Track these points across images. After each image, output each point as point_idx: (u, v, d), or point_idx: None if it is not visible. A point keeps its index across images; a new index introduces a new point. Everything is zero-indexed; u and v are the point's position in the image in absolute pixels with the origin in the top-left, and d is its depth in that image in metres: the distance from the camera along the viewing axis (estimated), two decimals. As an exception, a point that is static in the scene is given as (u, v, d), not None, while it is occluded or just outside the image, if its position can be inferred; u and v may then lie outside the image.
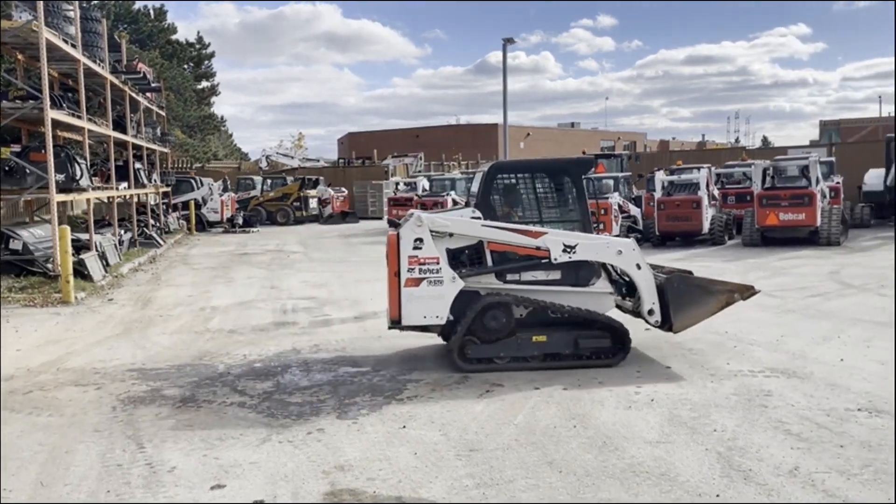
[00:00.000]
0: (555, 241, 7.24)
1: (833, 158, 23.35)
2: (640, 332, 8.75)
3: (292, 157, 40.51)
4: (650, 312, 7.45)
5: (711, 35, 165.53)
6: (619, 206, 19.35)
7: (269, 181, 33.33)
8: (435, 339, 8.44)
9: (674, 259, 16.48)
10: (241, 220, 29.52)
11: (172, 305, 11.84)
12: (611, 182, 20.63)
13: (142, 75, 21.54)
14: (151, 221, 23.17)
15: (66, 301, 11.77)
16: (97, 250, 14.98)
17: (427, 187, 26.73)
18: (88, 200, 16.18)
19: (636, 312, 7.79)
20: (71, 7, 15.14)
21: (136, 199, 21.89)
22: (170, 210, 27.65)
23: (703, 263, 15.53)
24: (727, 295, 7.63)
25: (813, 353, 7.73)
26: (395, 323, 7.27)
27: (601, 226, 18.71)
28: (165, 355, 8.37)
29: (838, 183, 20.93)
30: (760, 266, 14.72)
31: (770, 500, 4.33)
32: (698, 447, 5.19)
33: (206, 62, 49.03)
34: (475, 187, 8.20)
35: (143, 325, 10.19)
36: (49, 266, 13.27)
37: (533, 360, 7.30)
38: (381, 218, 31.40)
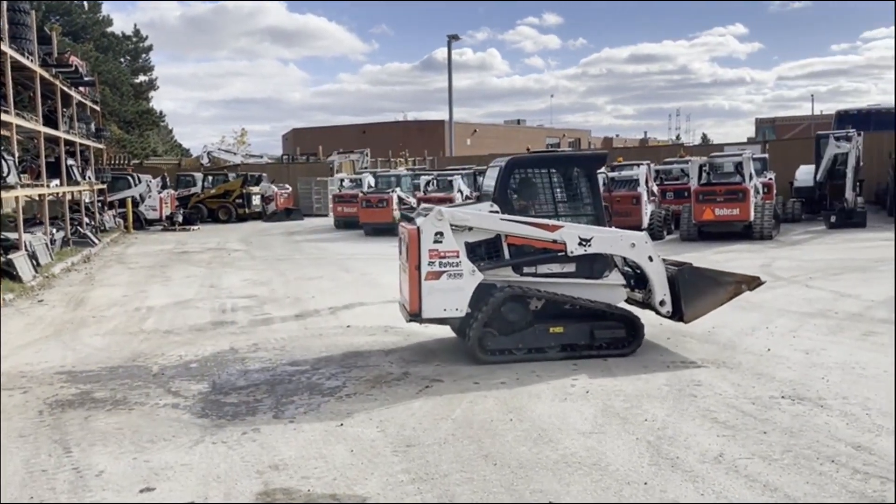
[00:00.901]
0: (571, 234, 7.41)
1: (766, 155, 24.16)
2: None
3: (235, 154, 39.67)
4: (661, 303, 7.69)
5: (653, 34, 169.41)
6: (562, 203, 19.62)
7: (210, 178, 32.66)
8: (376, 337, 8.44)
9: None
10: (180, 218, 28.83)
11: (106, 306, 11.51)
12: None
13: (74, 69, 20.83)
14: (86, 220, 22.45)
15: (-8, 303, 11.32)
16: (27, 250, 14.44)
17: (372, 184, 26.59)
18: (17, 198, 15.57)
19: (646, 304, 8.02)
20: (-4, -3, 14.54)
21: (69, 197, 21.16)
22: (106, 208, 26.84)
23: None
24: (735, 286, 7.92)
25: (742, 344, 8.00)
26: (416, 316, 7.36)
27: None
28: (97, 357, 8.14)
29: (771, 179, 21.66)
30: (696, 260, 15.08)
31: (695, 486, 4.47)
32: (629, 437, 5.33)
33: (143, 55, 47.63)
34: (488, 182, 8.28)
35: (75, 327, 9.88)
36: (-26, 267, 12.73)
37: (550, 350, 7.44)
38: (326, 215, 31.10)
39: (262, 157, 41.83)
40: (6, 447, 5.37)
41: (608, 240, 7.60)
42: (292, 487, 4.60)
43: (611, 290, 7.75)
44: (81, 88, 23.51)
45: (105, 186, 26.61)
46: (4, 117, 14.53)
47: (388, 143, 52.93)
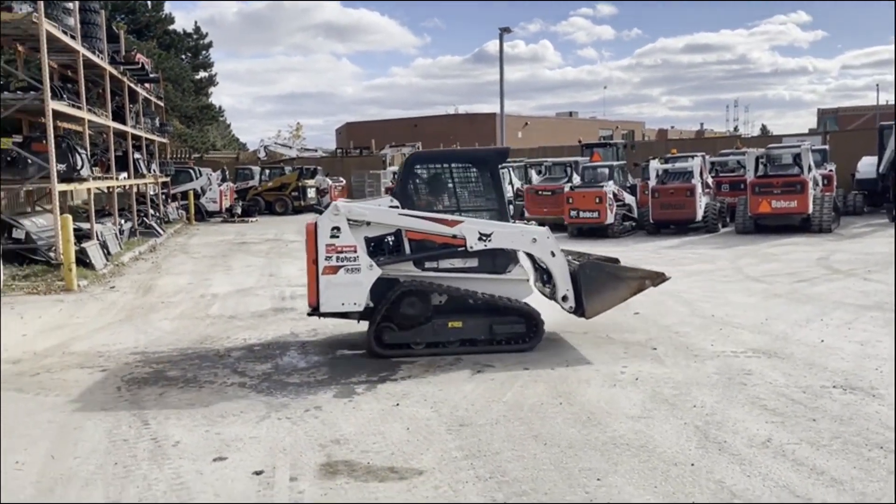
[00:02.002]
0: (470, 229, 7.40)
1: (827, 147, 23.53)
2: (629, 317, 9.02)
3: (290, 147, 40.64)
4: (564, 298, 7.71)
5: (710, 23, 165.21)
6: (614, 195, 19.56)
7: (267, 171, 33.49)
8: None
9: (665, 247, 16.74)
10: (239, 210, 29.74)
11: (173, 293, 12.08)
12: (606, 171, 20.88)
13: (140, 66, 21.69)
14: (151, 211, 23.38)
15: (68, 289, 12.01)
16: (98, 239, 15.20)
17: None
18: (89, 190, 16.38)
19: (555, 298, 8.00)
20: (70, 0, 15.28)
21: (135, 189, 22.09)
22: (169, 200, 27.85)
23: (694, 250, 15.79)
24: (638, 281, 7.88)
25: (795, 335, 7.97)
26: (314, 310, 7.42)
27: (596, 214, 18.97)
28: (167, 339, 8.62)
29: (831, 171, 21.15)
30: (751, 253, 14.96)
31: (741, 468, 4.58)
32: (677, 421, 5.45)
33: (203, 52, 49.03)
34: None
35: (145, 312, 10.44)
36: (51, 255, 13.50)
37: (450, 345, 7.47)
38: (379, 207, 31.62)
39: (316, 150, 42.67)
40: (90, 419, 5.81)
41: (509, 235, 7.56)
42: (353, 460, 4.89)
43: (515, 285, 7.71)
44: (147, 85, 24.44)
45: (168, 179, 27.62)
46: (78, 113, 15.30)
47: (439, 136, 53.20)
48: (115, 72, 19.05)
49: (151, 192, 24.75)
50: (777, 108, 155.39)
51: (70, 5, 15.37)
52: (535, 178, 23.14)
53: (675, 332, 8.32)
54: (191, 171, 30.47)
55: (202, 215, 28.87)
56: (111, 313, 10.37)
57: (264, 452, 5.05)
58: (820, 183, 19.01)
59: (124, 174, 20.03)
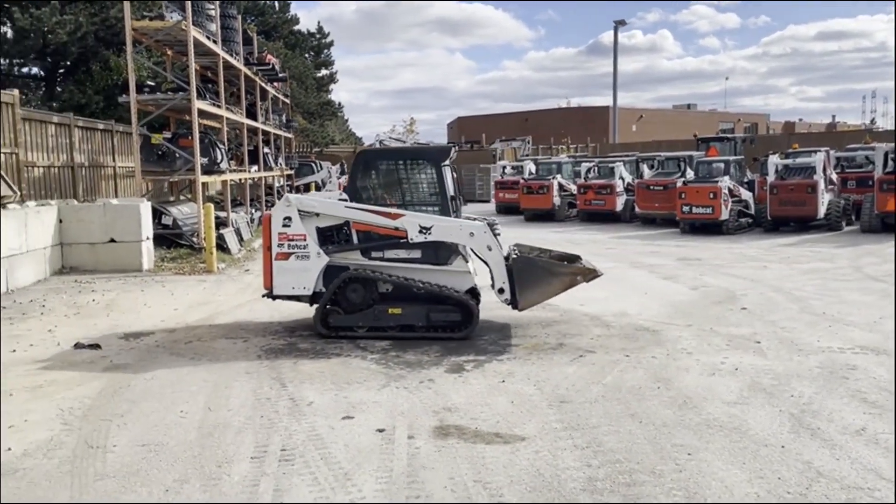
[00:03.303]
0: (412, 222, 7.86)
1: (969, 141, 21.91)
2: (736, 312, 9.11)
3: (404, 142, 41.92)
4: (500, 291, 8.07)
5: (846, 8, 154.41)
6: (730, 190, 19.18)
7: (383, 164, 34.79)
8: (535, 312, 9.15)
9: (782, 244, 16.32)
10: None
11: (299, 276, 13.13)
12: (721, 166, 20.47)
13: (271, 66, 23.26)
14: (278, 202, 25.03)
15: (209, 270, 13.33)
16: (233, 227, 16.64)
17: (533, 171, 27.20)
18: (225, 182, 17.91)
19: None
20: (213, 6, 16.76)
21: (264, 181, 23.75)
22: (293, 192, 29.61)
23: (813, 249, 15.35)
24: (570, 277, 8.15)
25: (909, 334, 7.85)
26: (269, 292, 8.17)
27: (710, 210, 18.66)
28: (297, 317, 9.53)
29: (972, 167, 19.71)
30: (874, 252, 14.40)
31: (831, 452, 4.79)
32: (773, 409, 5.67)
33: (325, 51, 51.34)
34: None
35: (276, 292, 11.48)
36: (194, 239, 14.97)
37: (390, 330, 8.01)
38: (487, 201, 32.17)
39: (429, 145, 43.77)
40: (237, 380, 6.70)
41: (447, 229, 7.95)
42: (463, 425, 5.46)
43: (456, 276, 8.12)
44: (275, 84, 26.12)
45: (292, 172, 29.37)
46: (217, 111, 16.78)
47: (550, 129, 53.18)
48: (249, 72, 20.60)
49: (278, 185, 26.46)
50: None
51: (212, 12, 16.86)
52: (646, 172, 22.97)
53: (781, 327, 8.37)
54: (312, 164, 32.20)
55: (322, 206, 30.47)
56: (247, 293, 11.48)
57: (385, 414, 5.71)
58: (957, 180, 17.83)
59: (255, 167, 21.62)
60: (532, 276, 8.07)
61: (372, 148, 9.83)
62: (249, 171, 20.52)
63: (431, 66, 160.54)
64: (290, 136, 29.94)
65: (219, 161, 16.07)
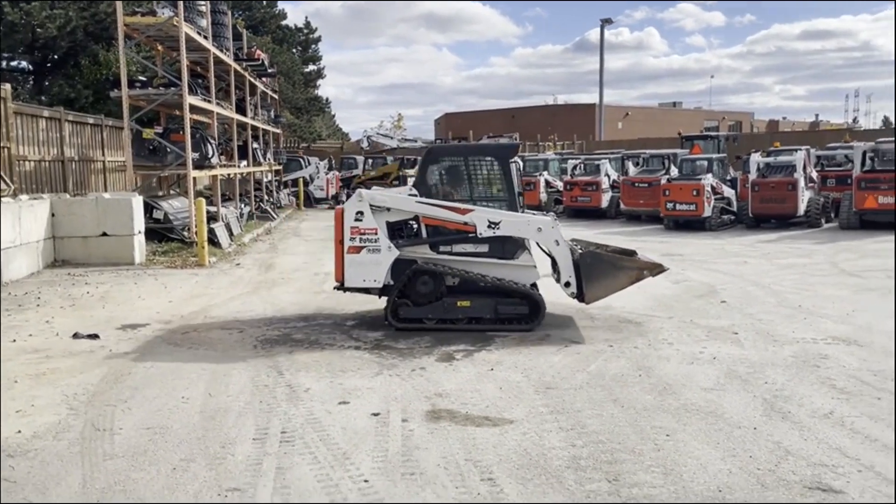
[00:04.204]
0: (480, 217, 8.08)
1: (946, 140, 22.44)
2: (716, 305, 9.45)
3: (391, 138, 42.02)
4: (567, 284, 8.27)
5: (831, 8, 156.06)
6: (713, 188, 19.57)
7: (370, 161, 34.99)
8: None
9: (763, 241, 16.72)
10: (344, 198, 31.10)
11: (291, 270, 13.37)
12: (704, 163, 20.86)
13: (260, 62, 23.40)
14: (266, 197, 25.18)
15: (201, 264, 13.51)
16: (224, 221, 16.81)
17: (520, 167, 27.52)
18: (215, 177, 18.06)
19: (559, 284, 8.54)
20: (203, 2, 16.89)
21: (253, 176, 23.88)
22: (281, 187, 29.74)
23: (792, 245, 15.76)
24: (636, 271, 8.31)
25: (879, 326, 8.21)
26: (340, 285, 8.35)
27: (693, 206, 19.04)
28: (290, 309, 9.77)
29: (948, 166, 20.21)
30: (851, 248, 14.82)
31: (800, 433, 5.10)
32: (747, 394, 5.98)
33: (312, 46, 51.35)
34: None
35: (269, 286, 11.71)
36: (185, 234, 15.13)
37: (458, 322, 8.19)
38: (476, 197, 32.44)
39: (416, 140, 43.90)
40: (235, 368, 6.93)
41: (516, 223, 8.16)
42: (454, 409, 5.73)
43: (523, 271, 8.29)
44: (264, 79, 26.24)
45: (280, 167, 29.50)
46: (208, 106, 16.93)
47: (536, 126, 53.49)
48: (238, 68, 20.73)
49: (266, 180, 26.60)
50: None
51: (203, 8, 16.99)
52: (631, 169, 23.31)
53: (759, 319, 8.70)
54: (300, 159, 32.35)
55: (310, 202, 30.65)
56: (240, 286, 11.69)
57: (379, 400, 5.97)
58: (934, 179, 18.31)
59: (244, 162, 21.77)
60: (599, 270, 8.22)
61: (441, 145, 10.12)
62: (239, 166, 20.67)
63: (418, 62, 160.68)
64: (278, 131, 30.08)
65: (209, 156, 16.23)
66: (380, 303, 10.07)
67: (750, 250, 15.16)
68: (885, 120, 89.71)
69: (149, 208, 15.02)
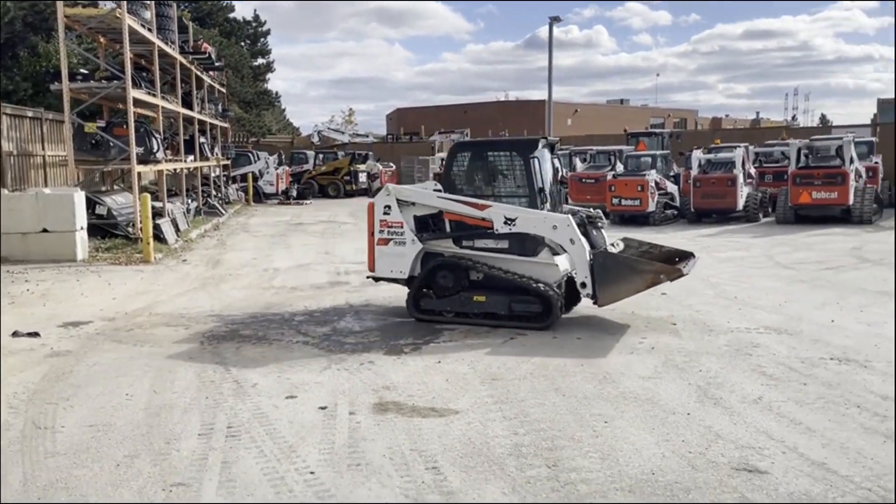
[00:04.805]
0: (497, 213, 8.11)
1: (874, 139, 23.47)
2: (656, 297, 9.75)
3: (343, 133, 41.84)
4: (582, 285, 8.11)
5: (772, 9, 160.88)
6: (656, 184, 20.08)
7: (321, 156, 34.75)
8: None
9: (704, 235, 17.25)
10: (294, 193, 31.07)
11: (239, 266, 13.26)
12: (649, 160, 21.38)
13: (206, 55, 23.00)
14: (214, 192, 24.80)
15: (146, 260, 13.28)
16: (170, 217, 16.53)
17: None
18: (161, 171, 17.72)
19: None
20: (147, -6, 16.55)
21: (200, 171, 23.49)
22: (229, 182, 29.31)
23: (731, 239, 16.29)
24: (653, 275, 8.05)
25: (809, 316, 8.61)
26: (372, 274, 8.67)
27: (638, 202, 19.50)
28: (238, 305, 9.72)
29: (877, 163, 21.19)
30: (786, 242, 15.42)
31: (730, 418, 5.36)
32: (683, 382, 6.23)
33: (261, 39, 50.64)
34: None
35: (216, 282, 11.60)
36: (130, 230, 14.83)
37: (474, 316, 8.26)
38: (427, 192, 32.52)
39: (367, 136, 43.81)
40: (181, 364, 6.89)
41: (532, 220, 8.10)
42: (401, 401, 5.83)
43: (543, 268, 8.22)
44: (211, 72, 25.80)
45: (229, 162, 29.05)
46: (153, 100, 16.61)
47: (488, 122, 53.77)
48: (184, 61, 20.36)
49: (214, 175, 26.18)
50: (840, 97, 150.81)
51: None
52: (579, 165, 23.73)
53: (697, 310, 9.03)
54: (249, 154, 31.91)
55: (259, 197, 30.27)
56: (186, 282, 11.55)
57: (327, 393, 6.03)
58: (863, 175, 19.17)
59: (191, 157, 21.39)
60: (614, 272, 8.05)
61: (467, 140, 10.02)
62: (185, 161, 20.32)
63: (370, 57, 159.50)
64: (226, 125, 29.60)
65: (154, 151, 15.93)
66: (327, 298, 10.14)
67: (691, 244, 15.54)
68: (823, 118, 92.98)
69: (91, 204, 14.68)
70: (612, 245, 8.79)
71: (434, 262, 8.38)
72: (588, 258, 8.07)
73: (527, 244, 8.27)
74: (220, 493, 4.31)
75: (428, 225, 8.58)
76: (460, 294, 8.32)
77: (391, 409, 5.65)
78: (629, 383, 6.21)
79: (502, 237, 8.24)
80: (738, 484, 4.32)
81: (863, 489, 4.24)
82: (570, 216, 8.29)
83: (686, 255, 8.91)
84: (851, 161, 18.14)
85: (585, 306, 9.32)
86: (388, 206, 8.44)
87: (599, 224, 8.62)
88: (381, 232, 8.46)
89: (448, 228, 8.53)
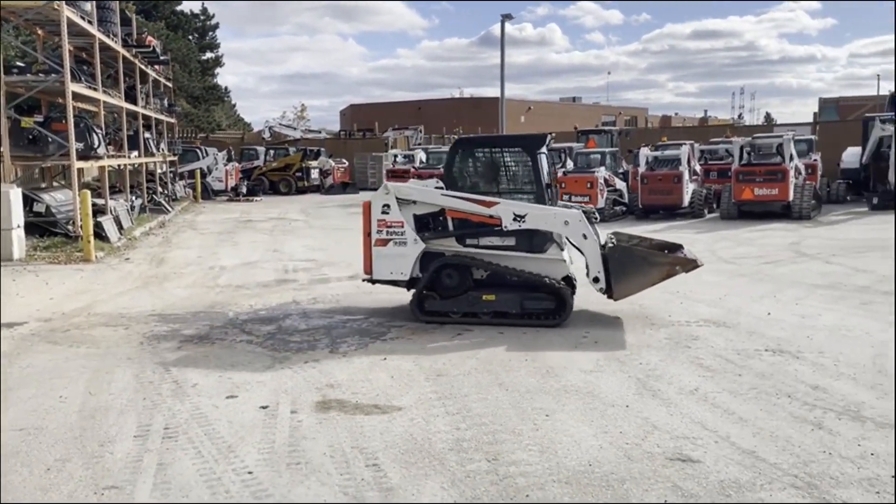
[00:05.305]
0: (506, 210, 7.96)
1: (814, 137, 24.27)
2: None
3: (295, 129, 41.31)
4: (595, 280, 8.21)
5: (719, 9, 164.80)
6: (605, 180, 20.37)
7: (272, 152, 34.27)
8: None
9: (651, 230, 17.57)
10: (244, 190, 30.57)
11: (184, 264, 13.00)
12: (598, 157, 21.69)
13: (151, 48, 22.46)
14: (160, 189, 24.25)
15: (87, 259, 12.91)
16: (112, 214, 16.10)
17: (424, 159, 27.70)
18: (102, 168, 17.24)
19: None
20: (87, -16, 16.05)
21: (145, 168, 22.94)
22: (177, 178, 28.69)
23: (678, 234, 16.61)
24: (669, 267, 8.17)
25: (747, 309, 8.85)
26: (369, 278, 8.35)
27: (587, 198, 19.76)
28: (181, 304, 9.53)
29: (816, 160, 21.90)
30: (729, 237, 15.82)
31: (667, 409, 5.49)
32: (623, 375, 6.35)
33: (210, 33, 49.65)
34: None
35: (160, 280, 11.35)
36: (70, 227, 14.40)
37: (483, 316, 8.10)
38: (380, 189, 32.36)
39: (320, 132, 43.35)
40: (118, 365, 6.73)
41: (542, 217, 8.05)
42: (344, 399, 5.80)
43: (551, 264, 8.21)
44: (156, 66, 25.21)
45: (176, 158, 28.45)
46: (94, 94, 16.14)
47: (442, 119, 53.84)
48: (127, 54, 19.84)
49: (160, 171, 25.61)
50: (784, 96, 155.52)
51: (87, -9, 16.14)
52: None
53: (640, 305, 9.18)
54: (197, 150, 31.29)
55: (208, 194, 29.73)
56: (128, 281, 11.28)
57: (269, 392, 5.96)
58: (803, 172, 19.79)
59: (135, 153, 20.87)
60: (629, 265, 8.07)
61: (469, 136, 9.74)
62: (129, 157, 19.82)
63: (323, 52, 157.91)
64: (172, 120, 28.99)
65: (95, 146, 15.49)
66: (274, 296, 10.02)
67: (638, 240, 15.89)
68: (768, 116, 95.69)
69: (29, 201, 14.20)
70: (610, 239, 8.83)
71: (439, 261, 8.06)
72: (601, 253, 8.11)
73: (535, 241, 8.21)
74: (154, 495, 4.22)
75: (427, 224, 8.30)
76: (468, 294, 8.10)
77: (334, 408, 5.62)
78: (571, 377, 6.30)
79: (509, 234, 8.12)
80: (671, 473, 4.42)
81: (790, 475, 4.38)
82: (581, 211, 8.26)
83: (675, 247, 8.94)
84: (791, 158, 18.71)
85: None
86: (387, 205, 8.08)
87: (593, 219, 8.61)
88: (380, 232, 8.09)
89: (451, 227, 8.28)
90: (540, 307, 8.08)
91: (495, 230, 8.11)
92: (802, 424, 5.17)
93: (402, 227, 8.10)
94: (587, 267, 8.33)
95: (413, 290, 8.32)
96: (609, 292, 8.25)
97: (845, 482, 4.29)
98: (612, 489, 4.25)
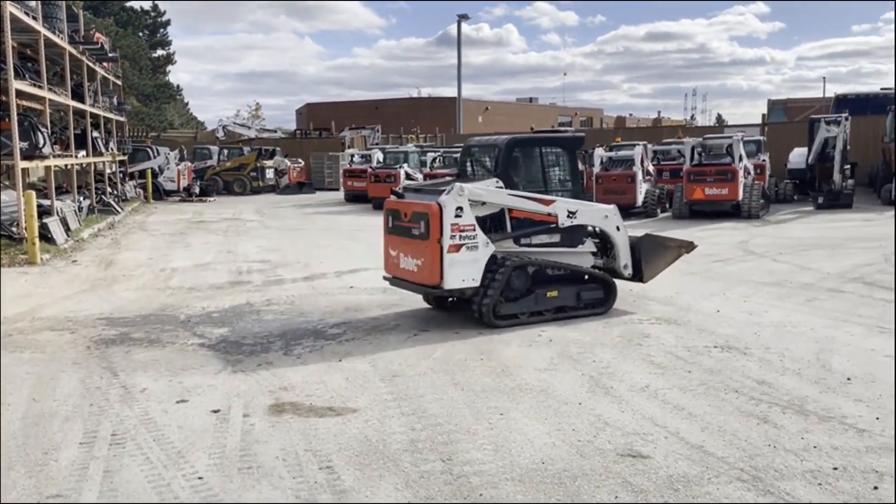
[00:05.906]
0: (562, 207, 8.27)
1: (762, 138, 24.91)
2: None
3: (249, 128, 40.77)
4: (625, 267, 8.81)
5: (672, 12, 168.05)
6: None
7: (225, 151, 33.75)
8: (377, 296, 9.53)
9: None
10: (197, 190, 30.04)
11: (134, 266, 12.71)
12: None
13: (99, 45, 21.93)
14: (109, 189, 23.67)
15: (32, 262, 12.54)
16: (58, 215, 15.65)
17: (381, 159, 27.62)
18: (49, 168, 16.75)
19: (609, 268, 8.88)
20: (31, -21, 15.57)
21: (93, 167, 22.37)
22: (127, 178, 28.05)
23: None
24: (678, 250, 9.25)
25: (697, 306, 9.05)
26: (436, 287, 7.82)
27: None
28: (131, 307, 9.31)
29: (764, 160, 22.49)
30: (681, 236, 16.08)
31: (619, 406, 5.57)
32: (576, 373, 6.42)
33: (161, 30, 48.70)
34: (464, 159, 9.41)
35: (108, 283, 11.08)
36: (14, 229, 13.95)
37: (547, 313, 8.19)
38: (337, 189, 32.13)
39: (275, 131, 42.88)
40: (64, 371, 6.54)
41: (589, 212, 8.62)
42: (298, 402, 5.75)
43: (585, 257, 8.73)
44: (105, 64, 24.60)
45: (126, 158, 27.80)
46: (39, 92, 15.67)
47: (400, 119, 53.74)
48: (74, 51, 19.32)
49: (109, 171, 24.99)
50: (735, 98, 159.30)
51: (30, -15, 15.66)
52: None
53: (594, 303, 9.31)
54: (148, 149, 30.65)
55: (160, 194, 29.14)
56: (75, 284, 10.98)
57: (221, 396, 5.87)
58: (752, 172, 20.31)
59: (83, 152, 20.34)
60: (653, 251, 8.88)
61: (521, 135, 9.88)
62: (76, 157, 19.29)
63: (279, 50, 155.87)
64: (122, 119, 28.32)
65: (41, 145, 15.04)
66: (227, 299, 9.85)
67: (593, 239, 16.10)
68: (719, 117, 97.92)
69: (-31, 202, 13.72)
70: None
71: (513, 262, 7.93)
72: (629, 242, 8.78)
73: (576, 236, 8.53)
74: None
75: (485, 226, 8.07)
76: (535, 293, 8.12)
77: (287, 411, 5.56)
78: (526, 375, 6.35)
79: (555, 231, 8.37)
80: (621, 469, 4.49)
81: (736, 469, 4.49)
82: (615, 206, 8.84)
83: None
84: (741, 159, 19.17)
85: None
86: (461, 208, 7.67)
87: None
88: (454, 237, 7.62)
89: (509, 227, 8.21)
90: (594, 297, 8.50)
91: (551, 228, 8.35)
92: (749, 419, 5.30)
93: (475, 230, 7.78)
94: (617, 256, 8.80)
95: (473, 298, 7.91)
96: (639, 276, 8.90)
97: (789, 475, 4.41)
98: (565, 486, 4.30)
